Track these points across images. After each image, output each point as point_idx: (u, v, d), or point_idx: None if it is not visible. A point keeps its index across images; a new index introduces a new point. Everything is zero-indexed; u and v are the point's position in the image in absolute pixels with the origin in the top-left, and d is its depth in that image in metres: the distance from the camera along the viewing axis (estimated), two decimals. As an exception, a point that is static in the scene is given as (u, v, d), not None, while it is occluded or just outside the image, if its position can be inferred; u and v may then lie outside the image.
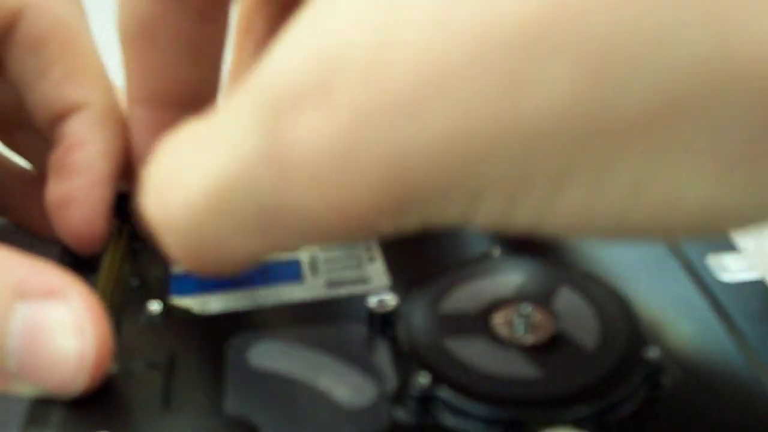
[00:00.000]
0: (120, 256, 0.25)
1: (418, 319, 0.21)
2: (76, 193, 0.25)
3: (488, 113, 0.12)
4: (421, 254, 0.25)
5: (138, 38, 0.22)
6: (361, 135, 0.13)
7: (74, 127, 0.25)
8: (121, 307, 0.23)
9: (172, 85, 0.23)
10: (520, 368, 0.20)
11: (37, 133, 0.27)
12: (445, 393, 0.19)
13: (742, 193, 0.13)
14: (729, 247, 0.24)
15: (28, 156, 0.30)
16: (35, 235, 0.30)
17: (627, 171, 0.13)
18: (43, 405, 0.19)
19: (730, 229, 0.15)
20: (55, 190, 0.25)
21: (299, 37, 0.14)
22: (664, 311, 0.22)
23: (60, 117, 0.25)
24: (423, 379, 0.19)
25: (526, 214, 0.14)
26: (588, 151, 0.13)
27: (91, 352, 0.19)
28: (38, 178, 0.30)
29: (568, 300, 0.22)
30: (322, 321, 0.22)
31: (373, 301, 0.22)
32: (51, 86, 0.25)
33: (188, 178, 0.16)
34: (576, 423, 0.18)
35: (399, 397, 0.19)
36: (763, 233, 0.33)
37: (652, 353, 0.20)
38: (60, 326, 0.19)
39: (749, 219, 0.13)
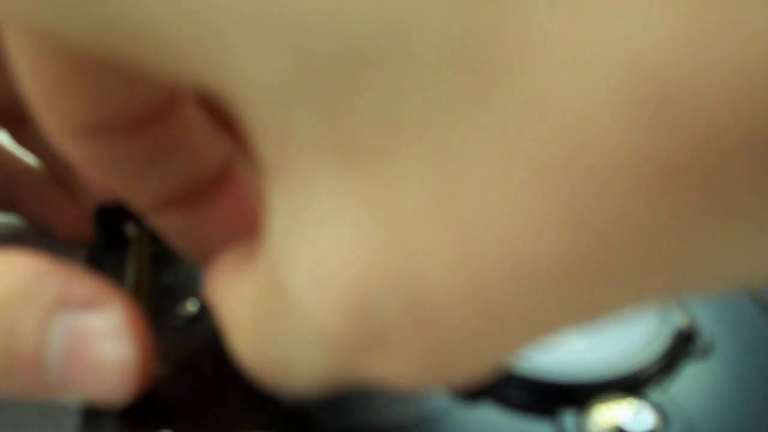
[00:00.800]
0: (145, 259, 0.25)
1: None
2: None
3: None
4: None
5: (97, 174, 0.19)
6: (431, 372, 0.13)
7: None
8: (154, 310, 0.23)
9: (165, 190, 0.20)
10: (565, 341, 0.21)
11: None
12: (500, 370, 0.20)
13: None
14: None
15: (38, 152, 0.30)
16: (47, 233, 0.30)
17: None
18: (95, 410, 0.20)
19: None
20: None
21: (305, 265, 0.13)
22: None
23: None
24: None
25: None
26: None
27: (134, 360, 0.19)
28: (49, 176, 0.30)
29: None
30: None
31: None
32: None
33: (295, 375, 0.15)
34: (628, 389, 0.19)
35: None
36: None
37: (687, 321, 0.21)
38: (101, 335, 0.19)
39: None
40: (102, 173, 0.19)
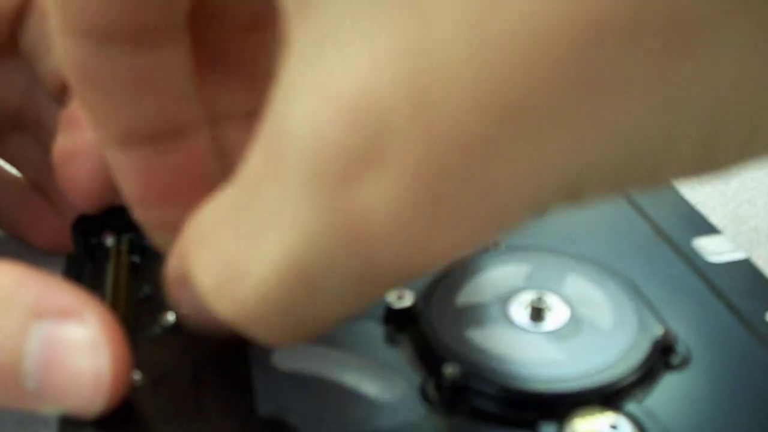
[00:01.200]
0: (124, 270, 0.24)
1: (438, 313, 0.22)
2: (84, 145, 0.24)
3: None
4: None
5: (81, 82, 0.20)
6: (435, 191, 0.12)
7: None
8: (132, 319, 0.23)
9: (135, 122, 0.20)
10: (543, 353, 0.21)
11: (29, 139, 0.27)
12: (476, 381, 0.20)
13: None
14: (711, 230, 0.26)
15: (19, 164, 0.29)
16: (26, 243, 0.30)
17: None
18: (73, 421, 0.19)
19: None
20: (62, 144, 0.25)
21: (310, 90, 0.13)
22: (664, 293, 0.23)
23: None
24: (453, 369, 0.20)
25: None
26: None
27: (109, 371, 0.19)
28: (30, 187, 0.29)
29: (576, 286, 0.23)
30: None
31: (391, 298, 0.22)
32: None
33: (256, 270, 0.15)
34: (605, 401, 0.19)
35: (429, 388, 0.20)
36: (739, 215, 0.34)
37: (665, 332, 0.21)
38: (77, 346, 0.18)
39: None
40: (88, 86, 0.19)
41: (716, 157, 0.12)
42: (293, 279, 0.14)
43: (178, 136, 0.20)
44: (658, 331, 0.21)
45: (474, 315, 0.22)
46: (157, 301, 0.23)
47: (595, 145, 0.12)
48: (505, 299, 0.22)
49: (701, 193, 0.33)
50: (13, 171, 0.30)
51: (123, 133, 0.20)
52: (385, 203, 0.12)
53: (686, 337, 0.21)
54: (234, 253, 0.15)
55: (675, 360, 0.21)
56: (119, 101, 0.20)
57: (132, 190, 0.21)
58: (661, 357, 0.21)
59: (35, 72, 0.26)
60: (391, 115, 0.12)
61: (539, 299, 0.22)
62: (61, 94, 0.26)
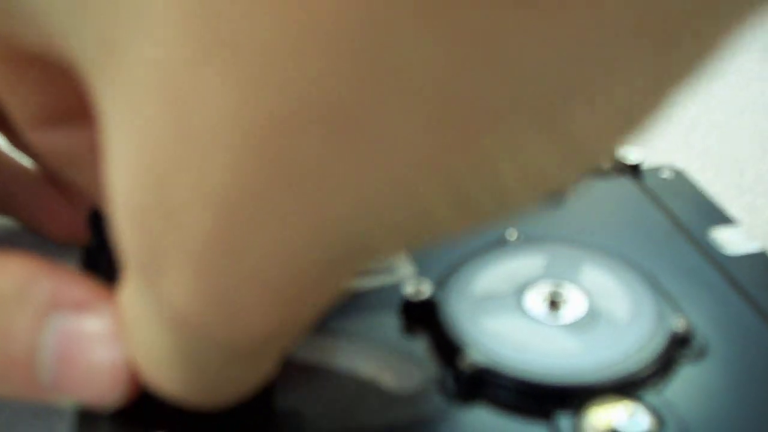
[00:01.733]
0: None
1: (455, 304, 0.22)
2: None
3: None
4: (441, 242, 0.25)
5: None
6: (216, 280, 0.13)
7: None
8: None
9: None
10: (561, 344, 0.21)
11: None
12: (494, 373, 0.20)
13: None
14: (728, 221, 0.26)
15: (33, 154, 0.29)
16: (41, 235, 0.30)
17: None
18: (89, 413, 0.19)
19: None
20: None
21: (114, 185, 0.14)
22: (681, 285, 0.23)
23: None
24: (471, 360, 0.20)
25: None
26: None
27: (127, 364, 0.19)
28: (44, 179, 0.29)
29: (594, 276, 0.23)
30: (352, 312, 0.23)
31: (408, 290, 0.22)
32: None
33: (148, 359, 0.17)
34: (623, 392, 0.19)
35: (447, 379, 0.20)
36: (756, 206, 0.34)
37: (682, 323, 0.21)
38: (94, 338, 0.18)
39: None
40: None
41: (472, 212, 0.13)
42: (178, 370, 0.16)
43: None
44: (675, 322, 0.21)
45: (491, 306, 0.22)
46: None
47: (328, 224, 0.12)
48: (522, 290, 0.22)
49: (718, 185, 0.33)
50: (25, 162, 0.30)
51: (36, 114, 0.20)
52: (185, 294, 0.13)
53: (703, 329, 0.21)
54: (133, 350, 0.17)
55: (692, 351, 0.21)
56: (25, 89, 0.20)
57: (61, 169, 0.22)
58: (679, 348, 0.21)
59: None
60: (151, 221, 0.13)
61: (556, 290, 0.22)
62: None
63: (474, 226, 0.13)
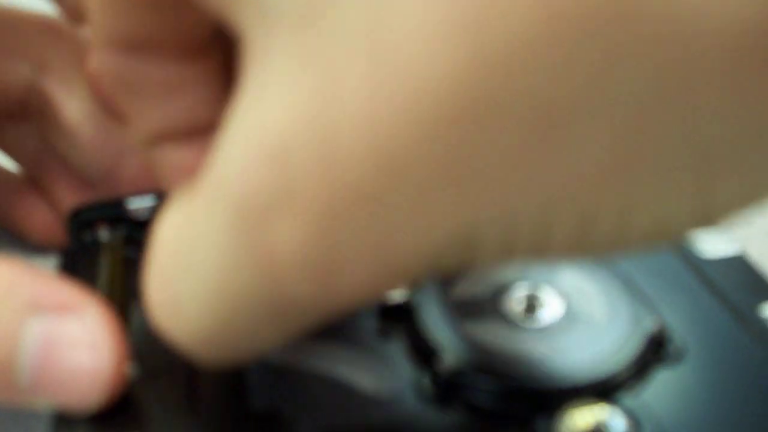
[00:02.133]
0: (118, 264, 0.24)
1: (432, 307, 0.22)
2: None
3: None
4: None
5: (116, 89, 0.20)
6: (335, 236, 0.13)
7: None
8: (127, 314, 0.23)
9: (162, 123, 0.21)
10: (538, 347, 0.21)
11: (29, 130, 0.27)
12: (471, 376, 0.20)
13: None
14: (706, 224, 0.26)
15: (16, 154, 0.29)
16: (20, 237, 0.30)
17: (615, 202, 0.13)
18: (66, 416, 0.19)
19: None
20: None
21: (242, 134, 0.14)
22: (658, 288, 0.23)
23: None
24: (447, 363, 0.20)
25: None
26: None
27: (107, 367, 0.19)
28: (24, 180, 0.29)
29: (571, 279, 0.23)
30: None
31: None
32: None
33: (189, 294, 0.16)
34: (599, 395, 0.19)
35: (423, 382, 0.20)
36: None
37: (659, 326, 0.21)
38: (74, 341, 0.18)
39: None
40: (121, 93, 0.20)
41: (592, 238, 0.13)
42: (219, 306, 0.15)
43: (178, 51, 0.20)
44: (652, 325, 0.21)
45: (468, 309, 0.22)
46: None
47: (475, 208, 0.13)
48: (499, 293, 0.22)
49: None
50: (5, 163, 0.30)
51: (158, 131, 0.20)
52: (293, 244, 0.13)
53: (681, 332, 0.21)
54: (173, 279, 0.16)
55: (669, 354, 0.21)
56: (147, 105, 0.20)
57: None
58: (656, 351, 0.21)
59: None
60: (301, 162, 0.13)
61: (533, 294, 0.22)
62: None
63: (567, 254, 0.14)
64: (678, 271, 0.24)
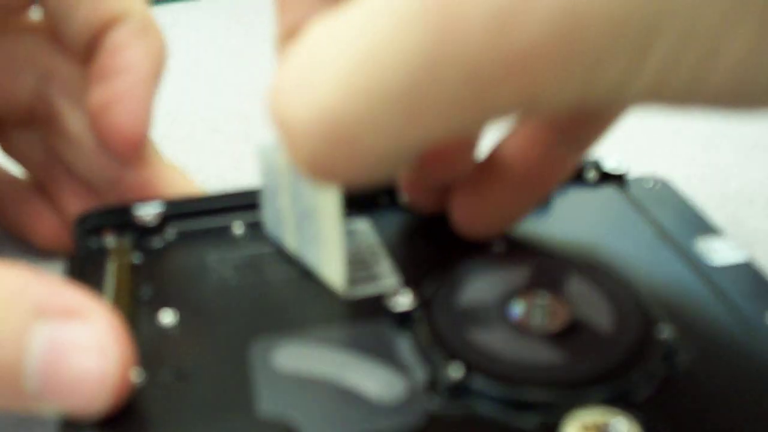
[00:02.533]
0: (124, 270, 0.24)
1: (440, 314, 0.22)
2: (121, 93, 0.25)
3: None
4: (425, 253, 0.25)
5: None
6: None
7: (115, 35, 0.25)
8: (134, 320, 0.23)
9: None
10: (544, 354, 0.21)
11: (35, 137, 0.27)
12: (477, 381, 0.20)
13: None
14: (713, 231, 0.26)
15: (23, 161, 0.29)
16: (27, 243, 0.30)
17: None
18: (72, 422, 0.19)
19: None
20: (98, 94, 0.25)
21: None
22: (667, 295, 0.23)
23: (101, 31, 0.25)
24: (455, 369, 0.20)
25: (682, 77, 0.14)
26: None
27: (114, 372, 0.19)
28: (31, 186, 0.29)
29: (579, 288, 0.23)
30: (339, 321, 0.23)
31: (392, 299, 0.22)
32: (90, 2, 0.25)
33: (324, 68, 0.15)
34: (606, 401, 0.19)
35: (431, 389, 0.20)
36: (739, 216, 0.34)
37: (666, 334, 0.21)
38: (81, 346, 0.18)
39: None
40: None
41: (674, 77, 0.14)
42: (358, 72, 0.14)
43: None
44: (660, 333, 0.21)
45: (475, 317, 0.22)
46: (158, 301, 0.24)
47: None
48: (506, 301, 0.22)
49: (702, 194, 0.33)
50: (13, 169, 0.30)
51: None
52: None
53: (688, 339, 0.21)
54: (314, 58, 0.15)
55: (677, 362, 0.21)
56: None
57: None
58: (663, 359, 0.21)
59: (61, 34, 0.26)
60: None
61: (541, 301, 0.22)
62: (88, 53, 0.26)
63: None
64: (686, 279, 0.24)
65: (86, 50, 0.26)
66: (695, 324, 0.22)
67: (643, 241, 0.26)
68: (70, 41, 0.26)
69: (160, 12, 0.42)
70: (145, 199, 0.27)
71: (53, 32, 0.27)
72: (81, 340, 0.18)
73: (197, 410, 0.20)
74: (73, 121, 0.27)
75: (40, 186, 0.29)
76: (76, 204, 0.29)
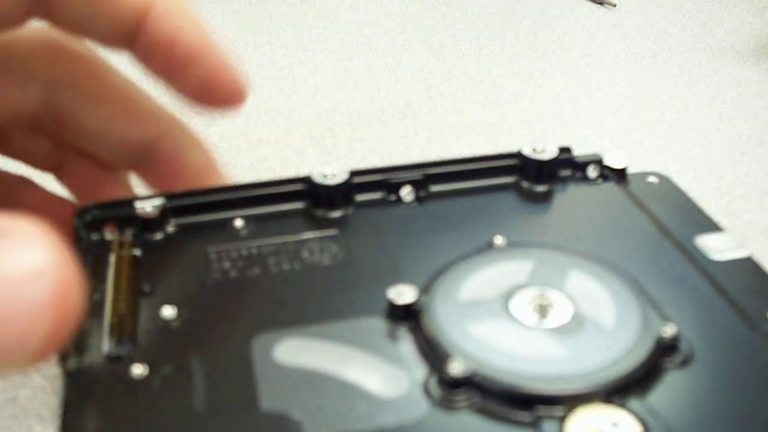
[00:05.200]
0: (125, 263, 0.24)
1: (440, 309, 0.22)
2: (204, 49, 0.24)
3: None
4: (425, 247, 0.25)
5: None
6: None
7: (161, 18, 0.25)
8: (134, 313, 0.23)
9: None
10: (546, 349, 0.21)
11: (38, 138, 0.27)
12: (479, 378, 0.20)
13: None
14: (714, 227, 0.26)
15: (27, 159, 0.29)
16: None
17: None
18: (77, 411, 0.19)
19: None
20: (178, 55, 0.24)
21: None
22: (667, 291, 0.23)
23: (141, 17, 0.25)
24: (457, 364, 0.20)
25: None
26: None
27: (51, 296, 0.16)
28: (21, 182, 0.29)
29: (579, 283, 0.23)
30: (340, 315, 0.23)
31: (392, 293, 0.22)
32: None
33: None
34: (607, 399, 0.19)
35: (431, 384, 0.20)
36: (732, 210, 0.34)
37: (668, 330, 0.21)
38: (16, 272, 0.16)
39: None
40: None
41: None
42: None
43: None
44: (660, 328, 0.21)
45: (477, 311, 0.22)
46: (160, 294, 0.23)
47: None
48: (508, 296, 0.22)
49: (695, 188, 0.33)
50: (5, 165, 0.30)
51: None
52: None
53: (689, 335, 0.21)
54: None
55: (678, 358, 0.21)
56: None
57: None
58: (664, 354, 0.21)
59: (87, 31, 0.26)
60: None
61: (542, 296, 0.22)
62: (131, 35, 0.25)
63: None
64: (687, 274, 0.24)
65: (128, 39, 0.25)
66: (696, 320, 0.22)
67: (644, 236, 0.26)
68: (105, 35, 0.26)
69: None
70: (168, 176, 0.27)
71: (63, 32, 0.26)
72: (15, 266, 0.16)
73: (199, 404, 0.20)
74: (89, 119, 0.26)
75: (28, 182, 0.29)
76: (91, 184, 0.28)
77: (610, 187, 0.29)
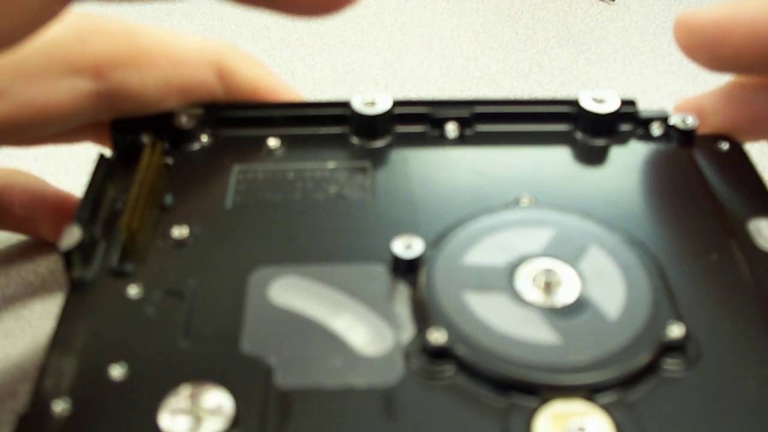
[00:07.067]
0: (153, 171, 0.24)
1: (441, 269, 0.21)
2: None
3: None
4: (452, 195, 0.24)
5: None
6: None
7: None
8: (150, 226, 0.23)
9: None
10: (538, 331, 0.19)
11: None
12: (459, 350, 0.19)
13: None
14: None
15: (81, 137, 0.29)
16: (36, 239, 0.30)
17: None
18: (70, 322, 0.20)
19: None
20: None
21: None
22: (693, 281, 0.21)
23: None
24: (438, 334, 0.19)
25: None
26: None
27: None
28: (14, 174, 0.29)
29: (597, 262, 0.21)
30: (346, 258, 0.22)
31: (398, 245, 0.21)
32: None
33: None
34: (589, 397, 0.18)
35: (413, 349, 0.19)
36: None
37: (676, 332, 0.19)
38: None
39: None
40: None
41: None
42: None
43: None
44: (667, 327, 0.19)
45: (478, 279, 0.21)
46: (177, 212, 0.23)
47: None
48: (515, 265, 0.21)
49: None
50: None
51: None
52: None
53: (701, 335, 0.19)
54: None
55: (681, 361, 0.19)
56: None
57: None
58: (666, 356, 0.19)
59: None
60: None
61: (551, 272, 0.21)
62: None
63: None
64: (725, 263, 0.22)
65: None
66: (714, 319, 0.20)
67: (691, 211, 0.23)
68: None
69: (154, 3, 0.41)
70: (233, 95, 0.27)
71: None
72: None
73: (180, 332, 0.20)
74: (145, 90, 0.26)
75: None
76: None
77: (672, 149, 0.26)
